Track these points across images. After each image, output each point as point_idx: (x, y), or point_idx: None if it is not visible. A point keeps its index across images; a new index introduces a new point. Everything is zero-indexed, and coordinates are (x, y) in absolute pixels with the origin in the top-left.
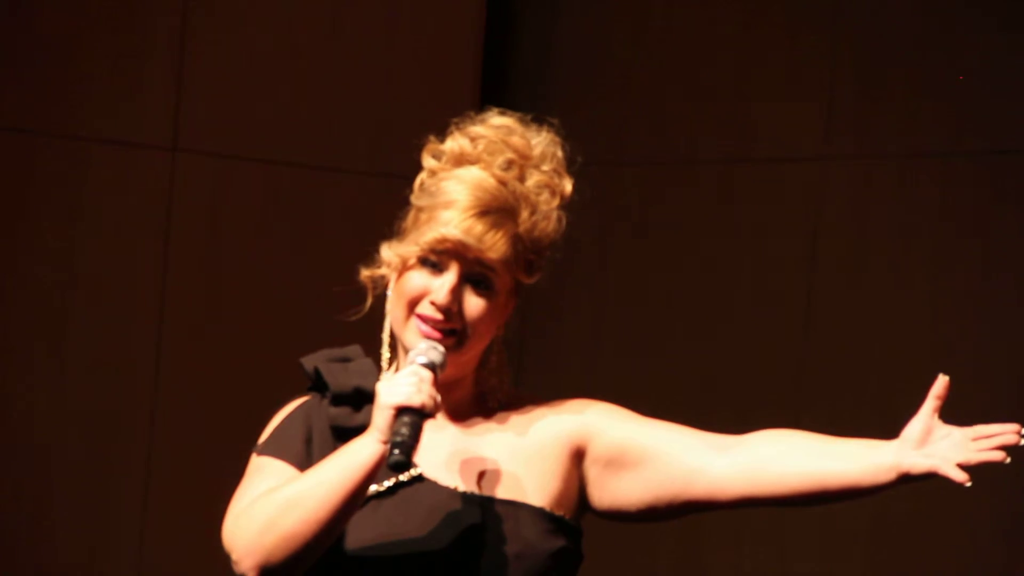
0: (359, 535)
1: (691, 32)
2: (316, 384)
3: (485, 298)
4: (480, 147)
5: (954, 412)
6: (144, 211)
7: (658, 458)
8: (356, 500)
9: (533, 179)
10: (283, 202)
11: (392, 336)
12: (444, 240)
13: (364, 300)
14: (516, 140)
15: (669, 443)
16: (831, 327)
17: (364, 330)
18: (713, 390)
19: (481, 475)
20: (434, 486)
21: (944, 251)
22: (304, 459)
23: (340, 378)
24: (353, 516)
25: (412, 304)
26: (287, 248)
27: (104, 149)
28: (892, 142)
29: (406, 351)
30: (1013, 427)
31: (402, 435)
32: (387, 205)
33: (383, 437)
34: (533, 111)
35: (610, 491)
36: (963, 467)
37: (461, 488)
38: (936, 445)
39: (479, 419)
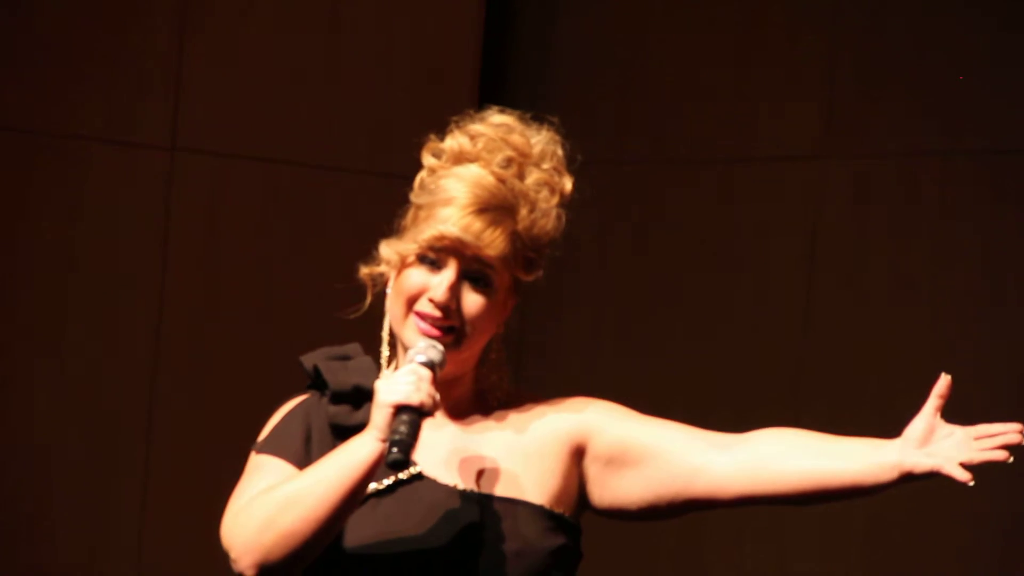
0: (358, 533)
1: (691, 32)
2: (315, 382)
3: (484, 295)
4: (479, 145)
5: (954, 412)
6: (143, 210)
7: (659, 456)
8: (355, 498)
9: (532, 177)
10: (282, 201)
11: (391, 334)
12: (442, 237)
13: (364, 298)
14: (516, 138)
15: (670, 441)
16: (830, 327)
17: (364, 328)
18: (712, 389)
19: (480, 473)
20: (433, 484)
21: (944, 251)
22: (303, 457)
23: (339, 376)
24: (352, 514)
25: (411, 301)
26: (286, 247)
27: (103, 148)
28: (892, 141)
29: (405, 349)
30: (1015, 426)
31: (401, 433)
32: (386, 204)
33: (382, 435)
34: (532, 111)
35: (611, 489)
36: (966, 466)
37: (460, 486)
38: (938, 444)
39: (478, 417)
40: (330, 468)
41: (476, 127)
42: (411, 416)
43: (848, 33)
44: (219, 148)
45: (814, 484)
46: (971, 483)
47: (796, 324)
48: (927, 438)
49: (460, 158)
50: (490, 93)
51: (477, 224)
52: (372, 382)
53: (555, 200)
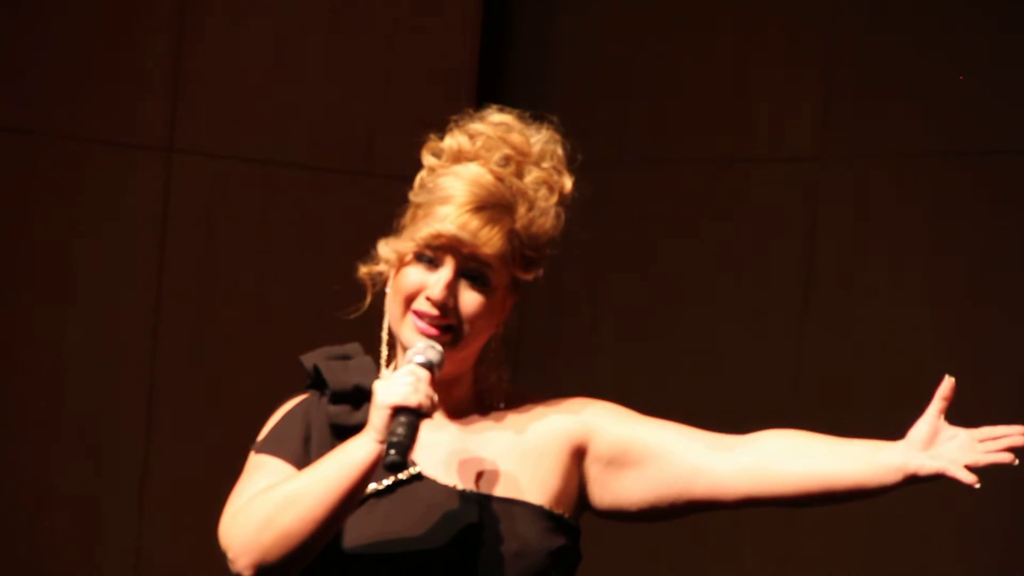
0: (357, 533)
1: (690, 32)
2: (315, 382)
3: (481, 294)
4: (478, 144)
5: (953, 413)
6: (141, 211)
7: (661, 457)
8: (353, 499)
9: (531, 175)
10: (280, 203)
11: (391, 334)
12: (439, 235)
13: (363, 298)
14: (515, 137)
15: (672, 442)
16: (829, 327)
17: (364, 328)
18: (711, 389)
19: (480, 473)
20: (433, 484)
21: (942, 252)
22: (302, 457)
23: (339, 376)
24: (351, 514)
25: (408, 300)
26: (284, 249)
27: (100, 149)
28: (890, 142)
29: (404, 349)
30: (1019, 428)
31: (398, 435)
32: (384, 206)
33: (380, 437)
34: (531, 110)
35: (611, 490)
36: (971, 469)
37: (460, 486)
38: (943, 447)
39: (478, 417)
40: (328, 469)
41: (475, 126)
42: (409, 417)
43: (847, 34)
44: (217, 149)
45: (817, 486)
46: (977, 485)
47: (794, 324)
48: (931, 440)
49: (459, 157)
50: (489, 93)
51: (474, 222)
52: (372, 382)
53: (554, 199)
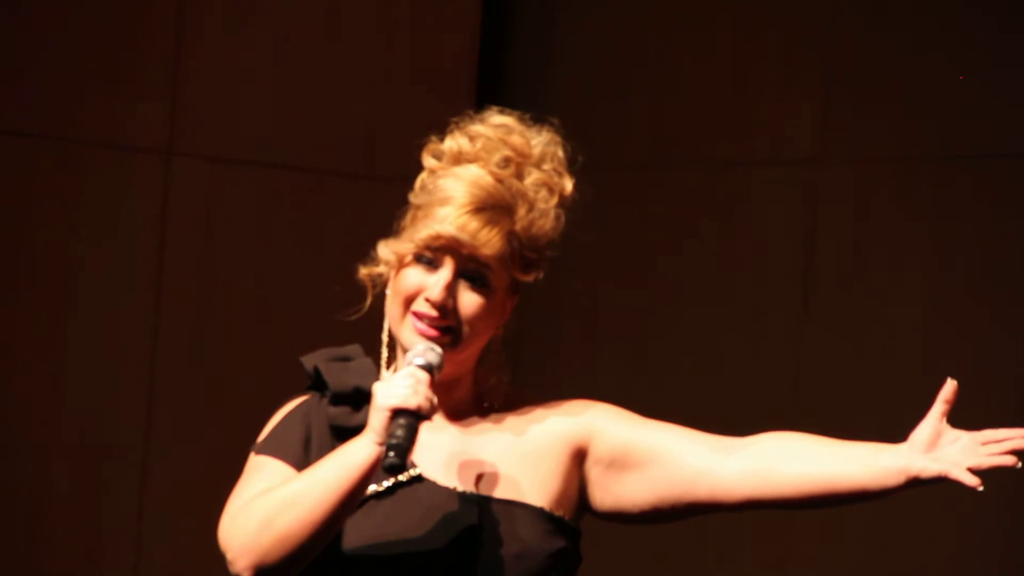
0: (357, 535)
1: (690, 33)
2: (315, 383)
3: (481, 295)
4: (478, 145)
5: (953, 415)
6: (141, 213)
7: (662, 459)
8: (352, 501)
9: (531, 177)
10: (279, 205)
11: (391, 336)
12: (438, 236)
13: (363, 300)
14: (515, 139)
15: (673, 444)
16: (829, 328)
17: (364, 330)
18: (711, 390)
19: (480, 475)
20: (433, 486)
21: (942, 254)
22: (302, 459)
23: (340, 377)
24: (351, 516)
25: (408, 301)
26: (283, 250)
27: (100, 152)
28: (889, 144)
29: (404, 350)
30: (1022, 431)
31: (397, 437)
32: (384, 208)
33: (379, 439)
34: (531, 112)
35: (612, 492)
36: (973, 471)
37: (460, 488)
38: (945, 449)
39: (478, 419)
40: (328, 471)
41: (475, 128)
42: (408, 420)
43: (847, 34)
44: (216, 152)
45: (819, 488)
46: (980, 488)
47: (795, 325)
48: (933, 443)
49: (459, 158)
50: (488, 93)
51: (473, 223)
52: (372, 383)
53: (554, 201)
